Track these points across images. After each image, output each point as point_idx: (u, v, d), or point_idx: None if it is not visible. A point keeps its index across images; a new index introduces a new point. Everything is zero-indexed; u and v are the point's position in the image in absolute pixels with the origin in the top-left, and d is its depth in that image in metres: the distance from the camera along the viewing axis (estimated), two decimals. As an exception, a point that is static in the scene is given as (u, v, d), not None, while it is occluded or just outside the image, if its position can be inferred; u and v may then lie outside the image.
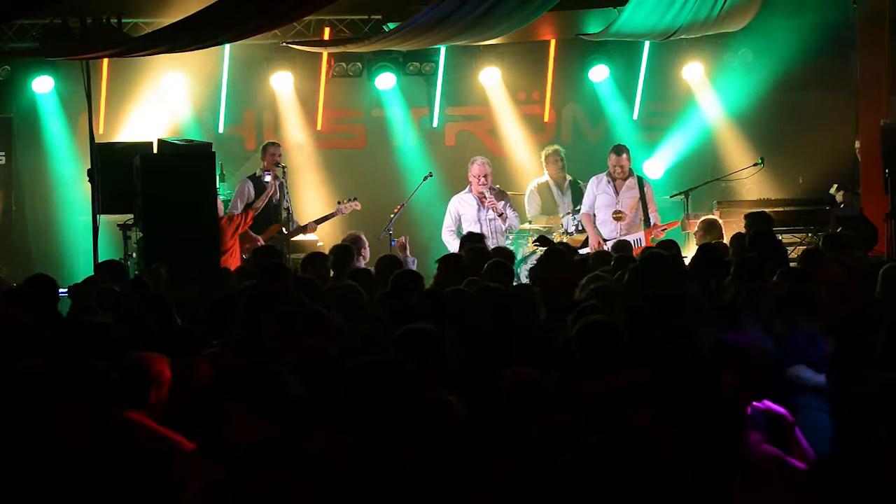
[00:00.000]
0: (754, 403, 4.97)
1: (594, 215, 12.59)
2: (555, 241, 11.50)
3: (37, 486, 4.45)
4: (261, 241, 11.90)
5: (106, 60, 13.31)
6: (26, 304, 7.11)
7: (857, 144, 13.51)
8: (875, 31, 13.35)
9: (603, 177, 12.72)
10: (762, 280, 7.33)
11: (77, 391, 4.69)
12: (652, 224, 12.55)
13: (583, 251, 11.51)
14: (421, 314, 6.10)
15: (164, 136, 11.86)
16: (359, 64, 13.99)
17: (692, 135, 14.83)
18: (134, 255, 11.09)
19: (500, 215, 12.34)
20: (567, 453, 3.61)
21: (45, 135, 13.71)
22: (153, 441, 4.69)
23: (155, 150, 10.76)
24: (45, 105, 13.64)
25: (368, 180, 14.11)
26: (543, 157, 13.35)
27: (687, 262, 8.93)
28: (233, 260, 11.38)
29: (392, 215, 12.44)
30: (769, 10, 13.07)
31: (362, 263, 9.90)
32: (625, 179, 12.66)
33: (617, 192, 12.63)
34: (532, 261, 11.29)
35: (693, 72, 14.74)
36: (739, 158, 14.30)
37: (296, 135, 14.35)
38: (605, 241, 12.16)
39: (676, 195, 13.17)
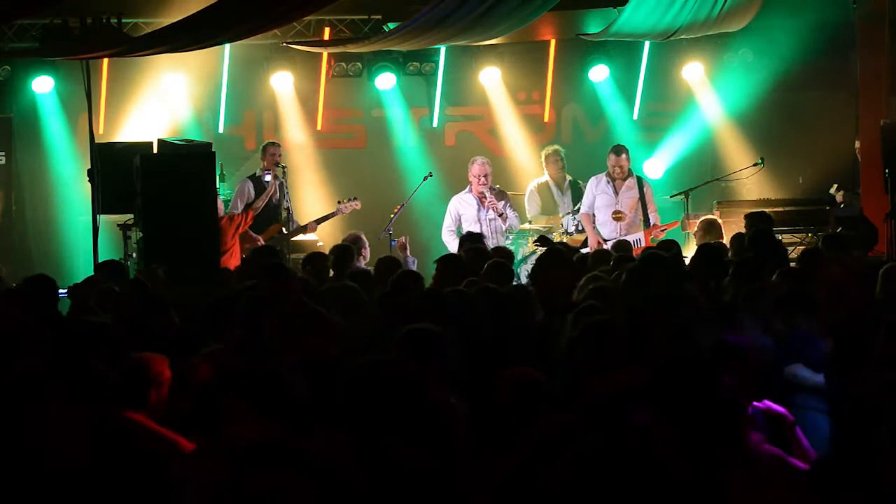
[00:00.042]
0: (754, 403, 4.97)
1: (593, 215, 12.59)
2: (555, 241, 11.49)
3: (37, 486, 4.45)
4: (261, 241, 11.90)
5: (106, 60, 13.31)
6: (26, 304, 7.12)
7: (857, 144, 13.51)
8: (875, 31, 13.35)
9: (602, 177, 12.72)
10: (761, 280, 7.32)
11: (77, 391, 4.70)
12: (651, 224, 12.55)
13: (583, 251, 11.50)
14: (420, 314, 6.09)
15: (164, 136, 11.85)
16: (359, 64, 13.99)
17: (692, 135, 14.83)
18: (134, 255, 11.09)
19: (501, 215, 12.34)
20: (567, 453, 3.61)
21: (45, 135, 13.71)
22: (153, 441, 4.69)
23: (155, 150, 10.76)
24: (45, 105, 13.64)
25: (368, 180, 14.11)
26: (543, 157, 13.34)
27: (687, 262, 8.93)
28: (233, 260, 11.37)
29: (392, 215, 12.44)
30: (769, 10, 13.07)
31: (362, 263, 9.90)
32: (624, 180, 12.66)
33: (616, 193, 12.63)
34: (532, 261, 11.29)
35: (693, 72, 14.74)
36: (739, 158, 14.30)
37: (296, 135, 14.35)
38: (604, 241, 12.15)
39: (676, 195, 13.17)
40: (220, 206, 11.85)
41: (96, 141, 11.11)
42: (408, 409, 4.14)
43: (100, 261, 10.02)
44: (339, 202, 12.75)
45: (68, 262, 13.24)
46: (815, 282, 7.26)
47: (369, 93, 14.41)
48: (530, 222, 12.85)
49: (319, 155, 14.46)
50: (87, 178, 10.96)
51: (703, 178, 13.89)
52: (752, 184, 13.90)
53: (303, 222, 12.64)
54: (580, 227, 12.61)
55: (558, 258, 8.34)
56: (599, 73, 14.60)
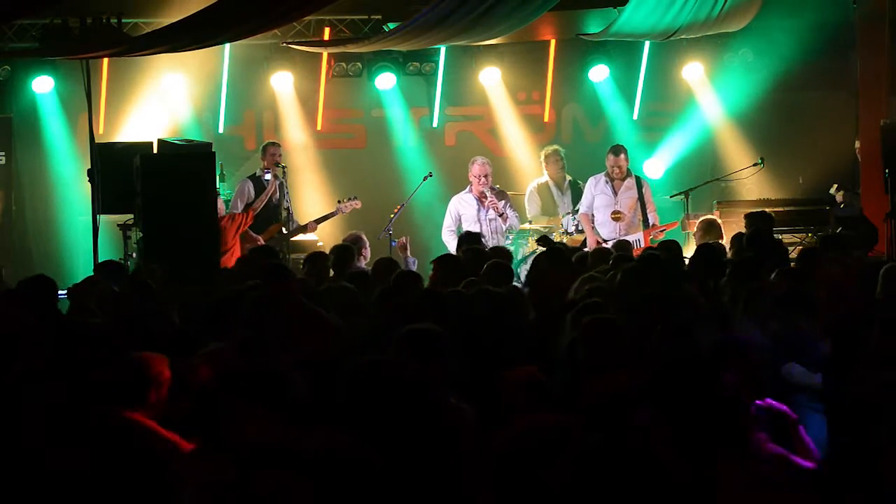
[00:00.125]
0: (757, 402, 4.97)
1: (592, 216, 12.59)
2: (555, 241, 11.49)
3: (37, 485, 4.45)
4: (261, 241, 11.90)
5: (106, 60, 13.31)
6: (26, 304, 7.12)
7: (857, 144, 13.51)
8: (875, 31, 13.35)
9: (601, 177, 12.71)
10: (759, 280, 7.32)
11: (77, 391, 4.70)
12: (651, 224, 12.55)
13: (584, 250, 11.50)
14: (418, 314, 6.09)
15: (164, 136, 11.85)
16: (359, 64, 13.99)
17: (692, 135, 14.83)
18: (134, 255, 11.09)
19: (501, 215, 12.34)
20: (567, 453, 3.61)
21: (45, 135, 13.71)
22: (153, 441, 4.69)
23: (155, 150, 10.76)
24: (45, 105, 13.64)
25: (368, 180, 14.11)
26: (543, 157, 13.33)
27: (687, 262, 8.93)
28: (233, 259, 11.36)
29: (392, 215, 12.44)
30: (769, 11, 13.06)
31: (363, 263, 9.90)
32: (623, 180, 12.65)
33: (615, 193, 12.62)
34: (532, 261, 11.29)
35: (693, 72, 14.74)
36: (739, 158, 14.29)
37: (296, 135, 14.35)
38: (604, 241, 12.15)
39: (676, 195, 13.17)
40: (221, 205, 11.86)
41: (96, 141, 11.11)
42: (408, 409, 4.14)
43: (100, 261, 10.02)
44: (339, 202, 12.75)
45: (68, 262, 13.24)
46: (814, 281, 7.27)
47: (369, 93, 14.41)
48: (530, 222, 12.84)
49: (319, 155, 14.46)
50: (87, 178, 10.96)
51: (703, 178, 13.88)
52: (752, 184, 13.89)
53: (303, 222, 12.64)
54: (580, 227, 12.60)
55: (558, 257, 8.35)
56: (599, 73, 14.59)
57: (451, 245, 11.84)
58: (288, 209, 12.47)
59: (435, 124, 14.78)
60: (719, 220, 11.54)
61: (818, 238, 11.74)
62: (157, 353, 5.09)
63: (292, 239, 12.35)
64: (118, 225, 11.75)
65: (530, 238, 12.40)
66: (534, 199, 13.18)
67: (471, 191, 12.54)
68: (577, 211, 12.72)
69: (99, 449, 4.57)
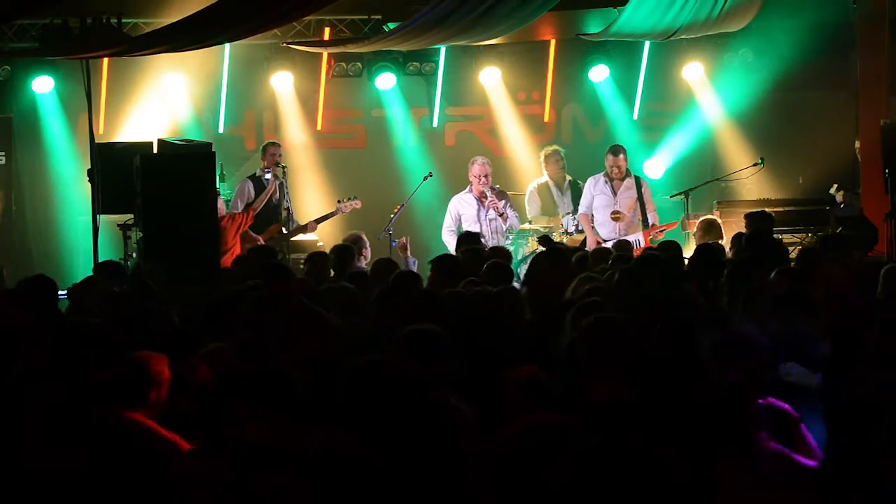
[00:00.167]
0: (758, 400, 4.96)
1: (592, 216, 12.59)
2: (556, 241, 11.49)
3: (37, 485, 4.45)
4: (261, 241, 11.90)
5: (106, 60, 13.31)
6: (26, 304, 7.12)
7: (857, 144, 13.51)
8: (875, 31, 13.35)
9: (600, 177, 12.72)
10: (756, 280, 7.31)
11: (77, 391, 4.70)
12: (650, 224, 12.54)
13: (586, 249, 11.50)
14: (416, 315, 6.09)
15: (164, 136, 11.85)
16: (359, 64, 13.99)
17: (692, 135, 14.83)
18: (134, 255, 11.09)
19: (502, 215, 12.34)
20: (567, 453, 3.61)
21: (45, 135, 13.71)
22: (153, 441, 4.69)
23: (155, 150, 10.76)
24: (45, 105, 13.64)
25: (368, 180, 14.11)
26: (543, 157, 13.33)
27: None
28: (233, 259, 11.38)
29: (392, 215, 12.44)
30: (769, 11, 13.06)
31: (363, 263, 9.90)
32: (622, 180, 12.66)
33: (615, 193, 12.63)
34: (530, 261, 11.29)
35: (693, 72, 14.74)
36: (739, 158, 14.29)
37: (296, 135, 14.35)
38: (604, 241, 12.15)
39: (676, 195, 13.17)
40: (222, 205, 11.87)
41: (96, 141, 11.11)
42: (408, 409, 4.14)
43: (100, 261, 10.01)
44: (339, 201, 12.75)
45: (68, 262, 13.24)
46: (814, 281, 7.26)
47: (369, 93, 14.41)
48: (530, 222, 12.84)
49: (319, 155, 14.46)
50: (87, 178, 10.96)
51: (703, 178, 13.88)
52: (752, 184, 13.89)
53: (303, 222, 12.64)
54: (580, 227, 12.60)
55: (558, 257, 8.36)
56: (599, 73, 14.59)
57: (451, 245, 11.84)
58: (288, 209, 12.47)
59: (435, 124, 14.78)
60: (719, 220, 11.54)
61: (818, 238, 11.73)
62: (157, 353, 5.09)
63: (292, 239, 12.35)
64: (118, 225, 11.76)
65: (530, 238, 12.40)
66: (534, 200, 13.18)
67: (471, 191, 12.55)
68: (577, 211, 12.73)
69: (99, 449, 4.57)
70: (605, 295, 6.65)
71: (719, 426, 4.19)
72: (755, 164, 13.39)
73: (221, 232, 11.39)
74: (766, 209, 11.39)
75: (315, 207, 13.41)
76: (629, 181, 12.68)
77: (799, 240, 12.63)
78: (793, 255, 11.02)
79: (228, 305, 6.83)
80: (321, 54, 13.98)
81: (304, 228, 12.49)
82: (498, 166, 13.43)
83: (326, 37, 13.52)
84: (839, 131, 14.20)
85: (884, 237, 11.89)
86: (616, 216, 12.49)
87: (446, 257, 8.74)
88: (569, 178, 13.27)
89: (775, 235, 10.65)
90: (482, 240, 11.24)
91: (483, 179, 12.43)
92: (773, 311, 6.41)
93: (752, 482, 4.08)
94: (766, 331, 6.41)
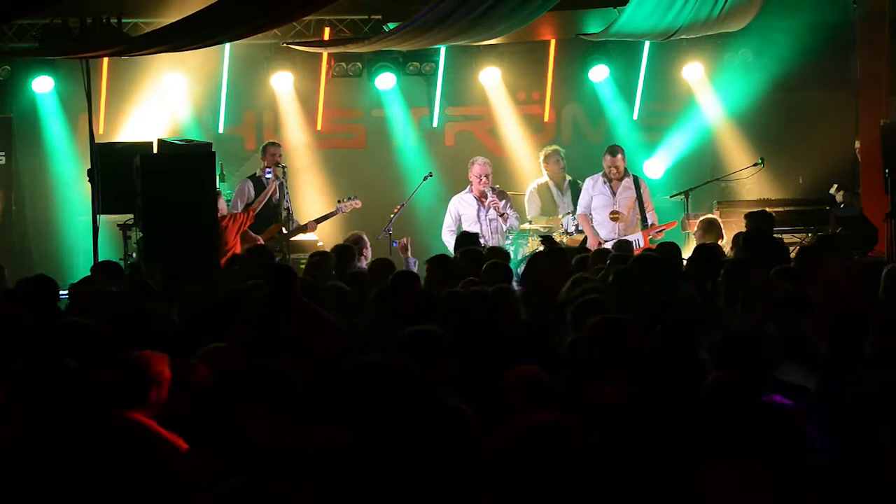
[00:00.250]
0: (759, 399, 4.96)
1: (591, 216, 12.59)
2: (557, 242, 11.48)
3: (37, 485, 4.45)
4: (261, 241, 11.91)
5: (106, 60, 13.31)
6: (26, 304, 7.12)
7: (857, 144, 13.50)
8: (875, 31, 13.35)
9: (598, 177, 12.72)
10: (752, 280, 7.30)
11: (77, 391, 4.70)
12: (649, 224, 12.54)
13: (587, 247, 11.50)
14: (413, 315, 6.09)
15: (164, 136, 11.86)
16: (359, 64, 13.99)
17: (692, 135, 14.82)
18: (134, 255, 11.09)
19: (502, 215, 12.34)
20: (567, 453, 3.61)
21: (45, 135, 13.71)
22: (153, 441, 4.69)
23: (155, 150, 10.76)
24: (45, 105, 13.64)
25: (368, 180, 14.11)
26: (543, 157, 13.32)
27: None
28: (233, 260, 11.38)
29: (392, 215, 12.44)
30: (769, 10, 13.05)
31: (364, 263, 9.90)
32: (620, 180, 12.66)
33: (614, 193, 12.63)
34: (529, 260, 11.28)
35: (693, 72, 14.74)
36: (739, 158, 14.29)
37: (296, 135, 14.35)
38: (604, 241, 12.15)
39: (676, 195, 13.17)
40: (223, 205, 11.88)
41: (96, 141, 11.12)
42: (408, 409, 4.14)
43: (99, 261, 10.02)
44: (339, 201, 12.76)
45: (68, 262, 13.24)
46: (812, 281, 7.26)
47: (369, 93, 14.41)
48: (530, 222, 12.84)
49: (319, 155, 14.46)
50: (87, 178, 10.97)
51: (703, 178, 13.88)
52: (752, 184, 13.89)
53: (303, 222, 12.64)
54: (580, 228, 12.60)
55: (559, 257, 8.36)
56: (599, 73, 14.59)
57: (451, 245, 11.85)
58: (288, 209, 12.48)
59: (435, 124, 14.78)
60: (719, 220, 11.54)
61: (817, 238, 11.73)
62: (157, 353, 5.09)
63: (292, 239, 12.36)
64: (118, 225, 11.76)
65: (530, 238, 12.40)
66: (534, 200, 13.18)
67: (471, 191, 12.55)
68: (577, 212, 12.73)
69: (99, 449, 4.57)
70: (600, 295, 6.65)
71: (718, 426, 4.19)
72: (755, 164, 13.39)
73: (223, 232, 11.40)
74: (766, 209, 11.40)
75: (315, 207, 13.41)
76: (628, 181, 12.68)
77: (799, 240, 12.62)
78: (793, 255, 11.03)
79: (228, 305, 6.83)
80: (321, 54, 13.98)
81: (304, 228, 12.50)
82: (498, 166, 13.43)
83: (326, 37, 13.53)
84: (839, 131, 14.20)
85: (884, 237, 11.89)
86: (615, 216, 12.48)
87: (441, 258, 8.73)
88: (569, 178, 13.27)
89: (775, 235, 10.65)
90: (482, 240, 11.25)
91: (483, 179, 12.43)
92: (771, 312, 6.41)
93: (752, 481, 4.08)
94: (765, 331, 6.41)
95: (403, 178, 14.09)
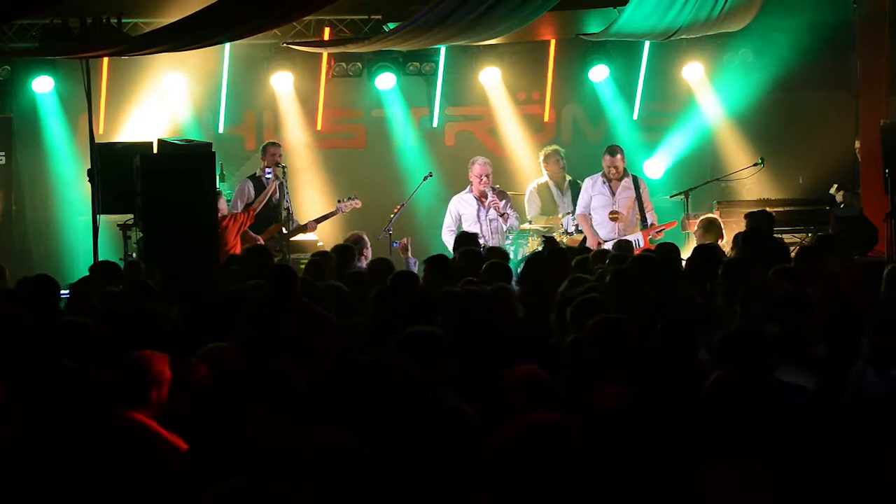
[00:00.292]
0: (758, 399, 4.96)
1: (590, 216, 12.59)
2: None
3: (37, 485, 4.45)
4: (261, 241, 11.91)
5: (106, 60, 13.31)
6: (26, 304, 7.12)
7: (857, 144, 13.51)
8: (875, 31, 13.35)
9: (598, 177, 12.72)
10: (749, 280, 7.29)
11: (77, 391, 4.70)
12: (649, 224, 12.54)
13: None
14: (411, 315, 6.09)
15: (164, 136, 11.85)
16: (359, 64, 13.99)
17: (692, 135, 14.82)
18: (134, 255, 11.09)
19: (502, 215, 12.35)
20: (567, 453, 3.62)
21: (45, 135, 13.71)
22: (153, 441, 4.69)
23: (155, 150, 10.76)
24: (45, 105, 13.64)
25: (368, 180, 14.11)
26: (542, 156, 13.32)
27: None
28: (233, 260, 11.38)
29: (392, 215, 12.45)
30: (769, 10, 13.06)
31: (364, 263, 9.91)
32: (620, 180, 12.66)
33: (613, 193, 12.63)
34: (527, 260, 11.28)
35: (693, 72, 14.74)
36: (739, 158, 14.29)
37: (296, 135, 14.35)
38: (604, 241, 12.15)
39: (676, 195, 13.17)
40: (224, 205, 11.88)
41: (96, 141, 11.12)
42: (408, 409, 4.14)
43: (98, 261, 10.02)
44: (339, 201, 12.76)
45: (68, 262, 13.24)
46: (812, 281, 7.25)
47: (369, 93, 14.41)
48: (530, 222, 12.84)
49: (319, 155, 14.46)
50: (87, 178, 10.97)
51: (703, 178, 13.88)
52: (752, 184, 13.89)
53: (303, 222, 12.65)
54: (580, 228, 12.60)
55: (560, 258, 8.36)
56: (599, 73, 14.59)
57: (451, 245, 11.85)
58: (288, 209, 12.48)
59: (435, 124, 14.79)
60: (719, 220, 11.54)
61: (817, 238, 11.72)
62: (157, 353, 5.09)
63: (292, 239, 12.36)
64: (118, 225, 11.76)
65: (530, 238, 12.40)
66: (533, 200, 13.18)
67: (471, 191, 12.55)
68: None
69: (99, 449, 4.57)
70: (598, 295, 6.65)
71: (718, 426, 4.19)
72: (755, 164, 13.39)
73: (223, 232, 11.41)
74: (767, 209, 11.40)
75: (315, 207, 13.41)
76: (627, 181, 12.68)
77: (799, 240, 12.62)
78: (793, 255, 11.03)
79: (229, 305, 6.84)
80: (321, 54, 13.98)
81: (304, 228, 12.50)
82: (498, 166, 13.44)
83: (326, 37, 13.53)
84: (839, 131, 14.20)
85: (884, 237, 11.89)
86: (614, 216, 12.48)
87: (438, 258, 8.72)
88: (569, 178, 13.27)
89: (775, 235, 10.64)
90: (481, 240, 11.25)
91: (483, 179, 12.43)
92: (771, 311, 6.41)
93: (752, 481, 4.08)
94: (765, 331, 6.41)
95: (403, 178, 14.09)
